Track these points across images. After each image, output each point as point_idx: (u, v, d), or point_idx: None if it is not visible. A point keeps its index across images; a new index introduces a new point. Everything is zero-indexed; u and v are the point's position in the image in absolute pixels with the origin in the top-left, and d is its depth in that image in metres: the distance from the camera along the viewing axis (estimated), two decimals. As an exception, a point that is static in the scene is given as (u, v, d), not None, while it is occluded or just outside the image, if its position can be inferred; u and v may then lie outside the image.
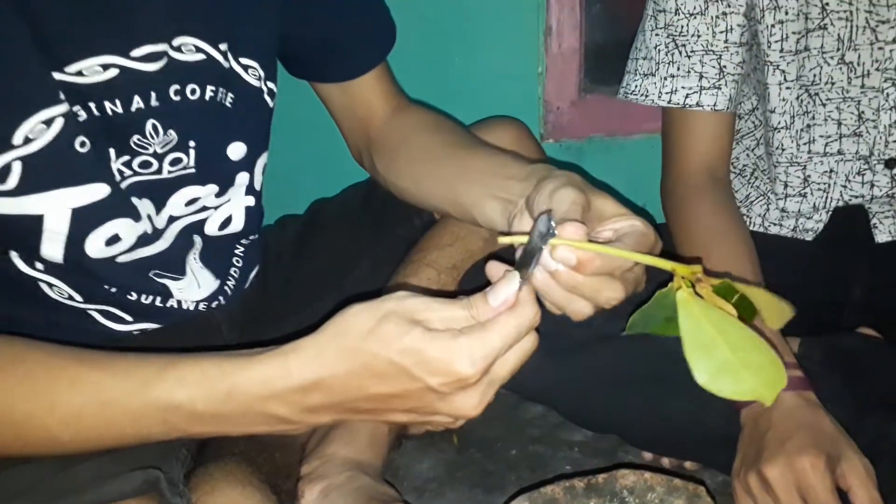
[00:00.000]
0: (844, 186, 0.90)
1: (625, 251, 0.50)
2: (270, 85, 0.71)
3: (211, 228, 0.71)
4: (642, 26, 0.93)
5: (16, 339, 0.53)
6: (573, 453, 0.90)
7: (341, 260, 0.85)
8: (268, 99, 0.71)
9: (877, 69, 0.83)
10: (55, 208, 0.59)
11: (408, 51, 0.84)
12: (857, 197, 0.89)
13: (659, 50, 0.90)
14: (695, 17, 0.87)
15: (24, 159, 0.56)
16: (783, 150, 0.90)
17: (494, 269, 0.51)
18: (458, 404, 0.49)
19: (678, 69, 0.89)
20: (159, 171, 0.65)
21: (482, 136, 0.90)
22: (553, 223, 0.49)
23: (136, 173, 0.64)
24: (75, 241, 0.60)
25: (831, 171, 0.89)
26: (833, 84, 0.86)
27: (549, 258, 0.50)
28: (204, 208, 0.70)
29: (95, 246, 0.62)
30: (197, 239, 0.70)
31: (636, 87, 0.93)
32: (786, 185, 0.92)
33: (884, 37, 0.82)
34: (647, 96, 0.92)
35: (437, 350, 0.47)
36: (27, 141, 0.56)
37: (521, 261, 0.50)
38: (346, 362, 0.49)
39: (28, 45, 0.54)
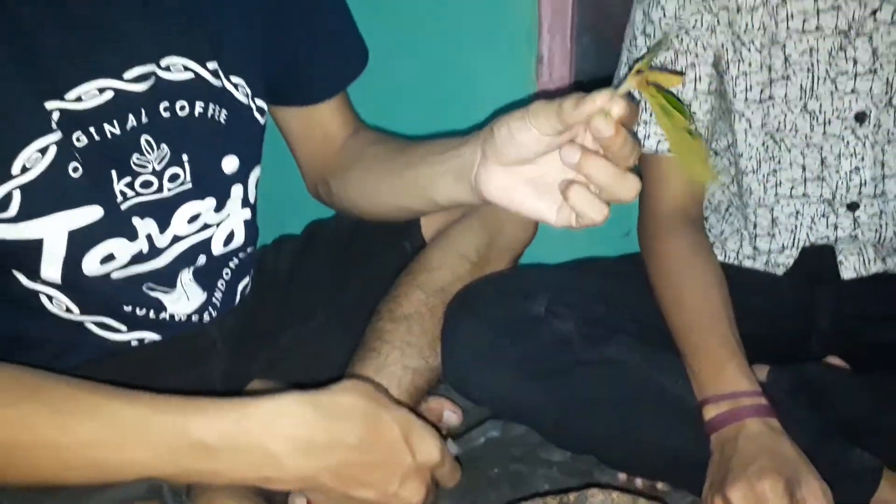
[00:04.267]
0: (810, 227, 0.95)
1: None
2: (259, 102, 0.74)
3: (217, 247, 0.75)
4: (617, 73, 0.99)
5: (35, 370, 0.55)
6: (552, 472, 0.94)
7: (334, 280, 0.89)
8: (258, 115, 0.75)
9: (837, 117, 0.89)
10: (53, 232, 0.62)
11: (401, 78, 0.86)
12: (822, 238, 0.95)
13: (632, 97, 0.96)
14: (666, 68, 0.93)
15: (23, 187, 0.60)
16: (752, 192, 0.96)
17: None
18: (409, 492, 0.56)
19: (650, 116, 0.94)
20: (160, 188, 0.68)
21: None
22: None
23: (138, 194, 0.67)
24: (72, 261, 0.64)
25: (797, 212, 0.95)
26: (797, 131, 0.91)
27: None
28: (206, 226, 0.73)
29: (91, 265, 0.65)
30: (202, 258, 0.74)
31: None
32: (755, 225, 0.97)
33: (843, 87, 0.88)
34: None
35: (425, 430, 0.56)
36: (24, 170, 0.60)
37: None
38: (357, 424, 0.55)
39: (22, 77, 0.58)
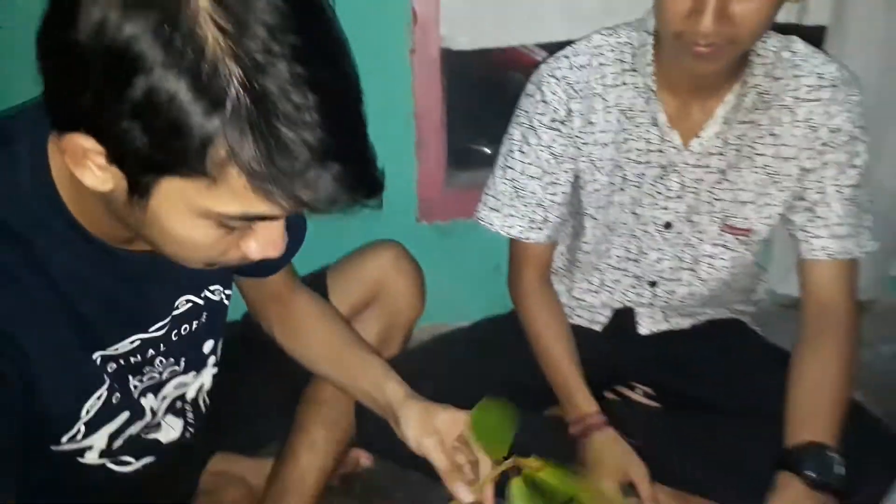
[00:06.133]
0: (623, 293, 1.25)
1: None
2: (227, 292, 0.90)
3: (190, 394, 0.91)
4: (495, 171, 1.19)
5: None
6: None
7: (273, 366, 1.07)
8: (226, 301, 0.90)
9: (652, 222, 1.17)
10: (99, 438, 0.79)
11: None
12: (629, 301, 1.25)
13: (504, 194, 1.17)
14: (533, 180, 1.15)
15: (86, 422, 0.76)
16: (589, 262, 1.24)
17: None
18: None
19: (516, 211, 1.17)
20: (161, 377, 0.84)
21: (368, 256, 1.14)
22: None
23: (146, 386, 0.83)
24: (108, 448, 0.80)
25: (617, 281, 1.24)
26: (626, 225, 1.18)
27: None
28: (185, 384, 0.88)
29: (117, 441, 0.81)
30: (179, 403, 0.89)
31: (485, 215, 1.20)
32: (588, 284, 1.26)
33: (659, 203, 1.15)
34: (492, 225, 1.19)
35: None
36: (87, 412, 0.76)
37: None
38: None
39: (74, 334, 0.72)
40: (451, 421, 0.89)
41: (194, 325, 0.86)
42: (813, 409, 1.03)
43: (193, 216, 0.60)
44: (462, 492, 0.84)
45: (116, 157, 0.57)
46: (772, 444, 1.04)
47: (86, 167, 0.59)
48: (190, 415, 0.91)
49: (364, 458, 1.24)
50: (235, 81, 0.52)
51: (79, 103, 0.55)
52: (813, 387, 1.06)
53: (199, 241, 0.62)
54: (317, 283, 1.13)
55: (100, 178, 0.59)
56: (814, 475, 0.97)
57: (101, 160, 0.58)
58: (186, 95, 0.52)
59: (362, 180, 0.59)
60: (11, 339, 0.65)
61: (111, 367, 0.77)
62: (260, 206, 0.58)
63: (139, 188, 0.59)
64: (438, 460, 0.86)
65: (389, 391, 0.93)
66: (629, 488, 1.07)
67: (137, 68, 0.52)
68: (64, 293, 0.69)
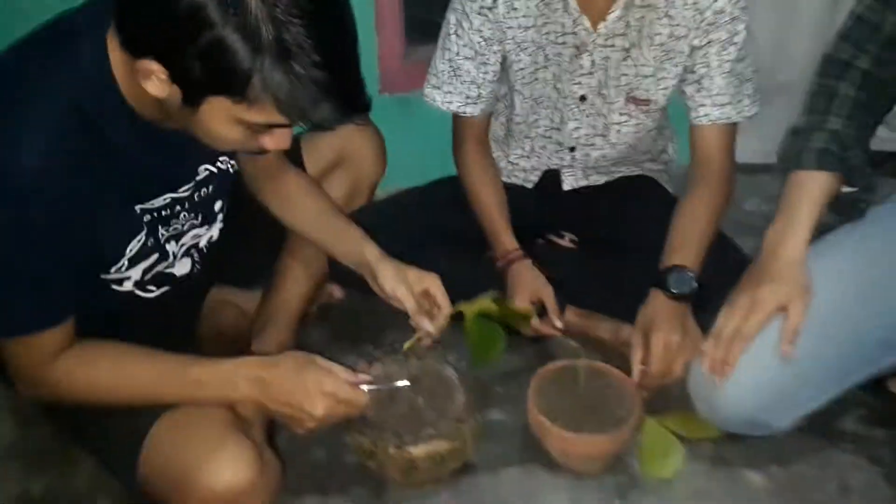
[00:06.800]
0: (549, 157, 1.50)
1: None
2: (233, 162, 1.14)
3: (203, 243, 1.15)
4: (436, 52, 1.40)
5: (119, 345, 1.01)
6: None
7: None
8: (232, 171, 1.14)
9: (570, 96, 1.39)
10: (135, 271, 1.04)
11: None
12: (554, 164, 1.50)
13: (444, 73, 1.40)
14: (467, 60, 1.37)
15: (129, 258, 1.02)
16: (521, 132, 1.47)
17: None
18: (312, 408, 0.99)
19: (454, 89, 1.40)
20: (182, 228, 1.09)
21: (341, 138, 1.37)
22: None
23: (170, 234, 1.08)
24: (141, 280, 1.06)
25: (543, 147, 1.48)
26: (549, 99, 1.41)
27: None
28: (199, 235, 1.13)
29: (148, 275, 1.07)
30: (192, 250, 1.14)
31: (428, 92, 1.43)
32: (521, 150, 1.51)
33: (575, 79, 1.37)
34: (434, 101, 1.42)
35: (323, 377, 1.02)
36: (130, 251, 1.01)
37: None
38: (285, 370, 1.01)
39: (119, 191, 0.96)
40: (418, 277, 1.17)
41: (210, 188, 1.09)
42: (682, 241, 1.31)
43: (230, 122, 0.86)
44: (425, 323, 1.16)
45: (178, 79, 0.83)
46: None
47: (150, 80, 0.84)
48: (196, 257, 1.17)
49: (337, 291, 1.54)
50: (270, 36, 0.78)
51: (157, 40, 0.81)
52: (686, 224, 1.32)
53: (231, 138, 0.89)
54: (293, 150, 1.32)
55: (161, 89, 0.84)
56: (674, 290, 1.25)
57: (165, 77, 0.83)
58: (237, 45, 0.78)
59: (355, 106, 0.87)
60: (83, 209, 0.92)
61: (147, 218, 1.02)
62: (280, 120, 0.85)
63: (192, 101, 0.84)
64: (409, 303, 1.16)
65: (367, 252, 1.20)
66: (541, 308, 1.36)
67: (206, 25, 0.77)
68: (120, 164, 0.94)
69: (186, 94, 0.84)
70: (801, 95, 1.20)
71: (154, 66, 0.82)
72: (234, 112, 0.84)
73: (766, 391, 1.12)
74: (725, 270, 1.28)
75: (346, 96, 0.85)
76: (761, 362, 1.12)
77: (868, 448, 1.26)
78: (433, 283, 1.18)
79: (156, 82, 0.84)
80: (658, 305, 1.26)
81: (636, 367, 1.23)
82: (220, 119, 0.86)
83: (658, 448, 1.22)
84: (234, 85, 0.81)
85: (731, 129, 1.37)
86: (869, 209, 1.25)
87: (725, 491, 1.19)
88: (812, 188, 1.12)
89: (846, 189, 1.23)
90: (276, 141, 0.93)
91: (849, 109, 1.13)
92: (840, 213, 1.21)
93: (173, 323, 1.17)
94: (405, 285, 1.16)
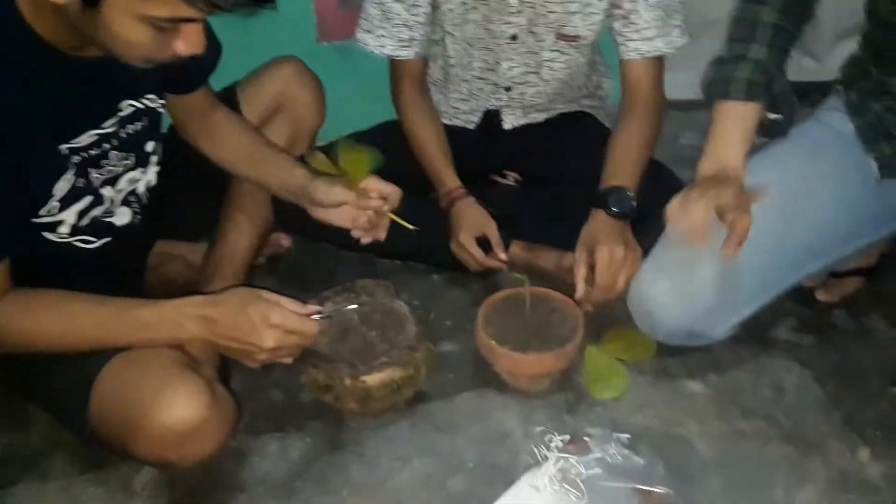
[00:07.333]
0: (487, 98, 1.53)
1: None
2: (162, 101, 1.13)
3: (140, 189, 1.15)
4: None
5: (60, 291, 1.00)
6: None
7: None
8: (162, 110, 1.13)
9: (502, 36, 1.42)
10: (69, 214, 1.03)
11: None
12: (493, 105, 1.53)
13: (375, 17, 1.41)
14: (397, 3, 1.38)
15: (59, 199, 1.00)
16: (457, 75, 1.49)
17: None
18: (260, 340, 1.00)
19: (386, 32, 1.41)
20: (116, 169, 1.08)
21: (272, 71, 1.40)
22: None
23: (105, 178, 1.07)
24: (76, 224, 1.05)
25: (480, 88, 1.51)
26: (481, 40, 1.44)
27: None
28: (135, 180, 1.13)
29: (83, 220, 1.06)
30: (130, 197, 1.13)
31: (361, 37, 1.44)
32: (459, 94, 1.53)
33: (505, 18, 1.39)
34: (367, 45, 1.44)
35: (269, 310, 1.02)
36: (59, 191, 1.00)
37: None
38: (231, 306, 1.01)
39: (43, 130, 0.96)
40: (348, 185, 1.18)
41: (139, 126, 1.08)
42: (619, 164, 1.36)
43: (134, 21, 0.85)
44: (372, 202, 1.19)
45: None
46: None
47: None
48: (136, 206, 1.16)
49: (284, 240, 1.54)
50: None
51: None
52: (621, 148, 1.37)
53: (139, 41, 0.87)
54: (229, 97, 1.35)
55: None
56: (614, 208, 1.31)
57: None
58: None
59: None
60: (1, 146, 0.91)
61: (75, 158, 1.01)
62: (184, 10, 0.83)
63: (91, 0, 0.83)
64: (349, 196, 1.17)
65: (298, 174, 1.20)
66: (485, 241, 1.40)
67: None
68: (35, 98, 0.92)
69: None
70: (729, 31, 1.24)
71: None
72: (135, 7, 0.84)
73: (700, 301, 1.18)
74: (662, 194, 1.33)
75: None
76: (695, 273, 1.18)
77: (799, 353, 1.33)
78: (368, 181, 1.19)
79: None
80: (600, 223, 1.31)
81: (580, 283, 1.28)
82: (123, 19, 0.85)
83: (602, 373, 1.27)
84: None
85: (660, 61, 1.41)
86: (790, 128, 1.32)
87: (668, 401, 1.25)
88: (741, 117, 1.17)
89: (771, 116, 1.30)
90: (188, 42, 0.90)
91: (770, 37, 1.17)
92: (764, 134, 1.27)
93: (118, 277, 1.17)
94: (341, 184, 1.18)
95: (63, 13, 0.87)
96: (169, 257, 1.41)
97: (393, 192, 1.20)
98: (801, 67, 1.99)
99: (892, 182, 1.21)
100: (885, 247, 1.40)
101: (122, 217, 1.13)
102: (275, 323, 1.01)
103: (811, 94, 1.94)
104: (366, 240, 1.24)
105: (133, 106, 1.08)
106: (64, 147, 1.00)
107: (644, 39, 1.38)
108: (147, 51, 0.90)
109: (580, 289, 1.27)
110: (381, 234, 1.23)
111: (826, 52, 1.96)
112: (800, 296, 1.39)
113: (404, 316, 1.23)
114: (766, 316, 1.30)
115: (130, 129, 1.08)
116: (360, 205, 1.18)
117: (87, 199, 1.05)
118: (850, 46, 1.98)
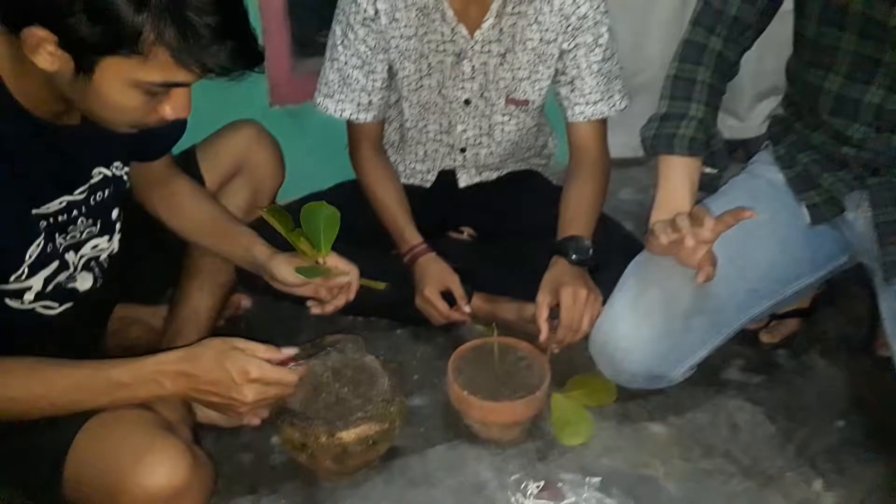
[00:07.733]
0: (442, 159, 1.59)
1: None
2: (126, 169, 1.13)
3: (103, 256, 1.14)
4: (324, 63, 1.46)
5: (30, 358, 0.96)
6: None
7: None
8: (126, 178, 1.13)
9: (456, 100, 1.49)
10: (36, 280, 1.01)
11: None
12: (448, 165, 1.59)
13: (334, 83, 1.46)
14: (355, 69, 1.43)
15: (29, 265, 0.99)
16: (413, 137, 1.55)
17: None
18: (241, 396, 1.00)
19: (345, 97, 1.46)
20: (81, 236, 1.07)
21: (231, 134, 1.42)
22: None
23: (70, 244, 1.06)
24: (42, 290, 1.03)
25: (436, 150, 1.57)
26: (436, 105, 1.50)
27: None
28: (98, 247, 1.12)
29: (48, 286, 1.04)
30: (91, 262, 1.12)
31: (321, 102, 1.48)
32: (415, 155, 1.58)
33: (458, 84, 1.46)
34: (328, 109, 1.48)
35: (247, 364, 1.01)
36: (30, 256, 0.98)
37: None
38: (208, 361, 1.00)
39: (17, 195, 0.95)
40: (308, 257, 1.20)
41: (106, 193, 1.08)
42: (574, 215, 1.43)
43: (125, 86, 0.86)
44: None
45: (66, 43, 0.82)
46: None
47: (39, 53, 0.83)
48: (97, 270, 1.15)
49: (245, 301, 1.54)
50: None
51: (36, 4, 0.80)
52: (574, 201, 1.45)
53: (130, 106, 0.88)
54: (188, 159, 1.36)
55: (51, 60, 0.84)
56: (574, 255, 1.37)
57: (53, 46, 0.82)
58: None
59: (249, 53, 0.88)
60: None
61: (43, 223, 1.00)
62: (178, 75, 0.85)
63: (84, 66, 0.83)
64: (307, 279, 1.19)
65: (257, 252, 1.22)
66: (449, 295, 1.43)
67: None
68: (13, 166, 0.92)
69: (78, 59, 0.84)
70: (659, 94, 1.33)
71: (40, 31, 0.81)
72: (129, 73, 0.85)
73: (660, 343, 1.24)
74: (612, 243, 1.42)
75: (240, 38, 0.86)
76: (653, 319, 1.24)
77: (749, 392, 1.41)
78: (329, 257, 1.21)
79: (45, 54, 0.84)
80: (561, 268, 1.37)
81: (543, 325, 1.32)
82: (116, 84, 0.86)
83: (569, 419, 1.31)
84: (124, 39, 0.81)
85: (604, 123, 1.51)
86: (722, 184, 1.42)
87: (633, 444, 1.30)
88: (686, 170, 1.26)
89: (706, 170, 1.40)
90: (176, 106, 0.92)
91: (707, 96, 1.27)
92: (700, 188, 1.37)
93: (79, 342, 1.15)
94: (299, 262, 1.19)
95: (50, 80, 0.88)
96: (129, 321, 1.39)
97: (353, 269, 1.24)
98: (724, 125, 2.14)
99: (822, 228, 1.32)
100: (818, 289, 1.51)
101: (85, 282, 1.12)
102: (254, 377, 1.01)
103: (735, 151, 2.11)
104: (327, 310, 1.27)
105: (102, 173, 1.08)
106: (35, 212, 0.99)
107: (589, 104, 1.47)
108: (136, 116, 0.91)
109: (544, 330, 1.32)
110: (351, 296, 1.26)
111: (747, 111, 2.12)
112: (745, 338, 1.47)
113: (376, 370, 1.24)
114: (717, 359, 1.38)
115: (99, 196, 1.09)
116: (328, 285, 1.22)
117: (54, 265, 1.04)
118: (769, 106, 2.16)
